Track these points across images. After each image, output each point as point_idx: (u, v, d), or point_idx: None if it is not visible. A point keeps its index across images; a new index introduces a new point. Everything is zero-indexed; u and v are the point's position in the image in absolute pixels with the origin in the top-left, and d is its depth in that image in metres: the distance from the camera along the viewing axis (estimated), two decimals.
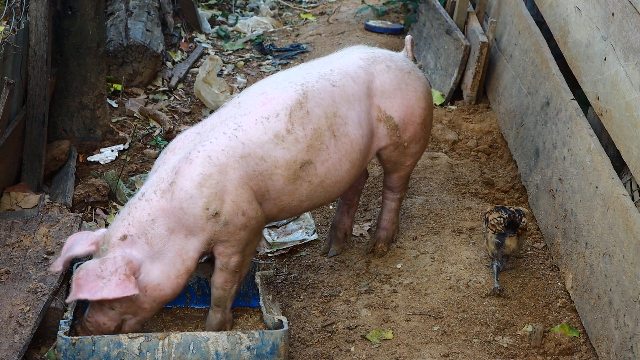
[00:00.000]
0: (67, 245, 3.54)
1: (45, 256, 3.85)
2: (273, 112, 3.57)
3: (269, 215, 3.65)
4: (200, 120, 5.75)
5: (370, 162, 4.15)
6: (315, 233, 4.50)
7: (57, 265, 3.51)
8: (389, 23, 7.27)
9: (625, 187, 3.78)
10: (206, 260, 3.83)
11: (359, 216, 4.62)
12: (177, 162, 3.47)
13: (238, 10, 8.22)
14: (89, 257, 3.57)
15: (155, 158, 5.14)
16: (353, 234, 4.46)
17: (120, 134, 5.25)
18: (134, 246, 3.40)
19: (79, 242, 3.49)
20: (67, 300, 3.41)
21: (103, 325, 3.47)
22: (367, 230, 4.49)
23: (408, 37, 4.17)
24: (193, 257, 3.46)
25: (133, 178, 4.87)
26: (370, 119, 3.83)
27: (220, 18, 7.91)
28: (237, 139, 3.50)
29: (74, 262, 3.74)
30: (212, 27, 7.62)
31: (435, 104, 5.75)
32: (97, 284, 3.32)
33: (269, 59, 6.97)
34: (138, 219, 3.42)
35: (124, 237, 3.40)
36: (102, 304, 3.43)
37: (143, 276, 3.40)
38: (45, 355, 3.54)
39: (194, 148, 3.48)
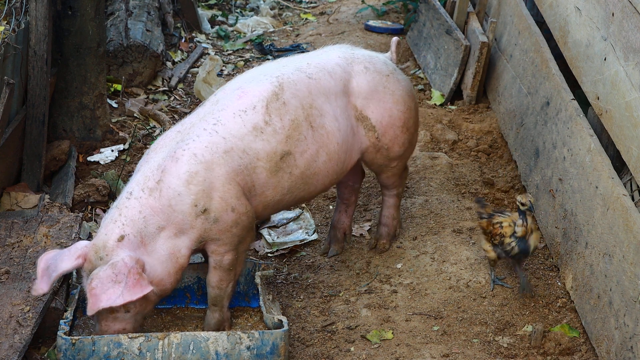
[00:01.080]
0: (43, 265, 3.40)
1: None
2: (250, 105, 3.59)
3: (256, 210, 3.65)
4: None
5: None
6: (315, 233, 4.51)
7: (42, 287, 3.37)
8: (389, 23, 7.26)
9: (625, 187, 3.78)
10: (206, 260, 3.83)
11: (358, 216, 4.62)
12: (162, 161, 3.47)
13: (238, 10, 8.22)
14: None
15: None
16: (353, 234, 4.46)
17: (120, 134, 5.25)
18: (131, 245, 3.38)
19: (62, 259, 3.39)
20: (88, 313, 3.32)
21: (123, 332, 3.43)
22: (367, 230, 4.49)
23: (394, 39, 4.17)
24: (185, 255, 3.47)
25: None
26: (349, 116, 3.84)
27: (220, 18, 7.91)
28: (218, 134, 3.51)
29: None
30: (212, 27, 7.62)
31: (435, 104, 5.75)
32: (115, 290, 3.27)
33: (269, 59, 6.97)
34: (131, 218, 3.41)
35: (121, 238, 3.38)
36: (117, 310, 3.39)
37: (148, 272, 3.39)
38: (45, 355, 3.54)
39: (177, 147, 3.48)
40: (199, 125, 3.54)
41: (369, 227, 4.51)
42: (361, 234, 4.47)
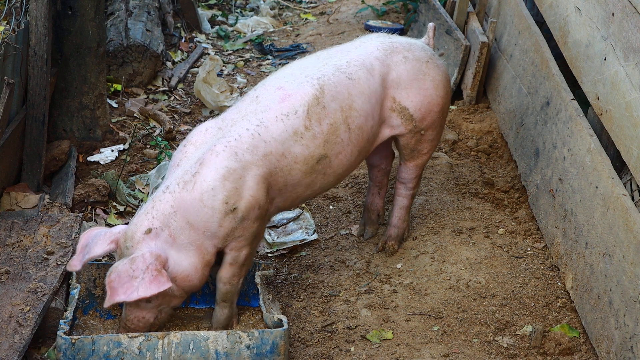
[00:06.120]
0: (83, 242, 3.53)
1: (45, 256, 3.85)
2: (292, 109, 3.60)
3: (283, 206, 3.71)
4: (200, 121, 5.78)
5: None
6: (315, 233, 4.51)
7: (75, 264, 3.48)
8: (389, 23, 7.27)
9: (625, 187, 3.78)
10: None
11: (359, 216, 4.62)
12: (202, 155, 3.49)
13: (238, 10, 8.22)
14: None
15: (155, 158, 5.14)
16: (352, 233, 4.46)
17: (120, 134, 5.25)
18: (158, 239, 3.41)
19: (97, 242, 3.47)
20: (105, 306, 3.37)
21: (143, 320, 3.49)
22: None
23: (431, 24, 4.18)
24: (212, 252, 3.49)
25: (133, 178, 4.87)
26: (383, 109, 3.86)
27: (220, 18, 7.91)
28: (260, 136, 3.53)
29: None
30: (212, 27, 7.62)
31: None
32: (131, 284, 3.32)
33: (269, 59, 6.97)
34: (162, 212, 3.43)
35: (148, 231, 3.41)
36: (139, 300, 3.43)
37: (172, 267, 3.42)
38: (45, 355, 3.53)
39: (218, 142, 3.50)
40: (241, 124, 3.56)
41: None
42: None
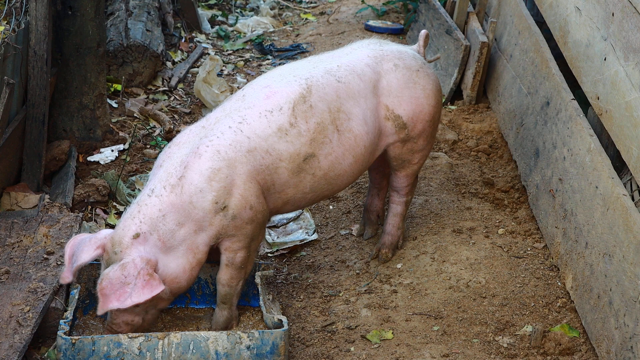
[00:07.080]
0: (69, 252, 3.49)
1: (45, 256, 3.85)
2: (276, 106, 3.60)
3: (274, 208, 3.68)
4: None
5: None
6: (315, 233, 4.51)
7: (66, 276, 3.46)
8: (389, 23, 7.27)
9: (625, 187, 3.78)
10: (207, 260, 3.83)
11: (359, 216, 4.62)
12: (185, 157, 3.48)
13: (238, 10, 8.22)
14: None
15: (155, 158, 5.14)
16: (352, 233, 4.46)
17: (120, 134, 5.25)
18: (147, 243, 3.40)
19: (83, 249, 3.45)
20: (98, 313, 3.35)
21: (132, 323, 3.48)
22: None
23: (423, 32, 4.15)
24: (203, 251, 3.48)
25: (133, 178, 4.87)
26: (378, 117, 3.84)
27: (220, 18, 7.91)
28: (242, 133, 3.52)
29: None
30: (212, 27, 7.62)
31: None
32: (124, 290, 3.30)
33: (269, 59, 6.97)
34: (149, 216, 3.42)
35: (136, 236, 3.40)
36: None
37: (161, 271, 3.41)
38: (45, 355, 3.53)
39: (201, 142, 3.49)
40: (224, 122, 3.55)
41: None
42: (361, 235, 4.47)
